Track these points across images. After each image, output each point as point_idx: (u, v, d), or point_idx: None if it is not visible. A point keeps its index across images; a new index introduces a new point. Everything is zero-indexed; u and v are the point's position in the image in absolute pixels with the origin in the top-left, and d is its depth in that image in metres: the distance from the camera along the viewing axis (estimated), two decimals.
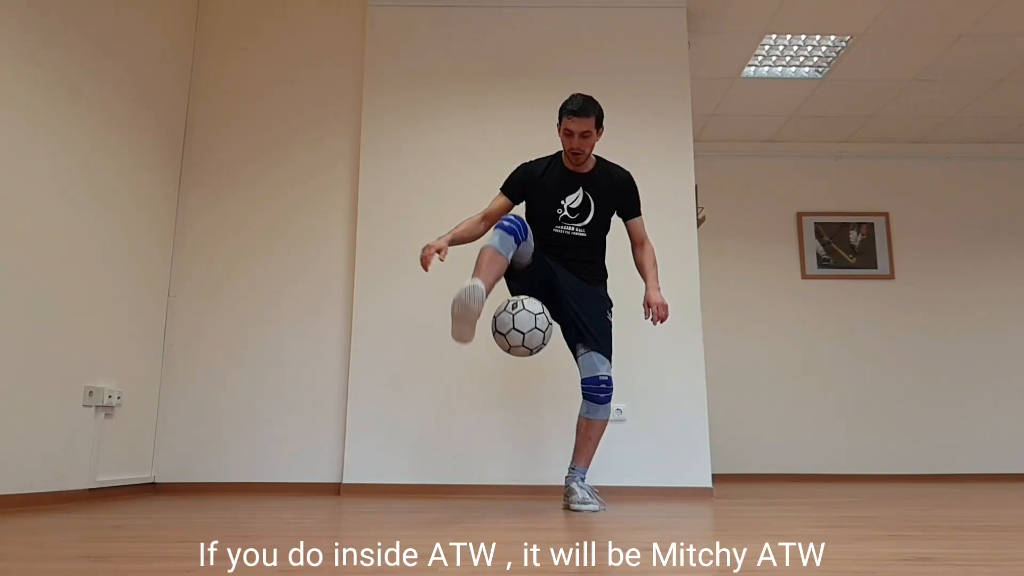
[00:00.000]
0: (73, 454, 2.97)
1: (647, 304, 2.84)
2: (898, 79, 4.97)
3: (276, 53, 4.07)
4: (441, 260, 2.62)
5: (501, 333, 2.56)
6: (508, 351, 2.60)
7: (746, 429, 5.49)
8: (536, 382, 3.62)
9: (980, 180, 5.93)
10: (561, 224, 2.81)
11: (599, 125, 2.78)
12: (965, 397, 5.56)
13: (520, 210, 2.91)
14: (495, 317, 2.59)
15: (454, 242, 2.74)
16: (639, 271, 2.97)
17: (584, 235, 2.83)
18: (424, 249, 2.63)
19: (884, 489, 4.23)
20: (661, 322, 2.84)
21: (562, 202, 2.81)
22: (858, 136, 5.83)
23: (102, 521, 2.21)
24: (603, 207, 2.85)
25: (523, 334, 2.52)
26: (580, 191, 2.82)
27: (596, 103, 2.77)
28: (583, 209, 2.82)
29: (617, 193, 2.88)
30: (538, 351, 2.60)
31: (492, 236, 2.56)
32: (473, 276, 2.46)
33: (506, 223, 2.55)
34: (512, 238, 2.53)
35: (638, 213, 2.95)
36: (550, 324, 2.59)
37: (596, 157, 2.90)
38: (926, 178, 5.93)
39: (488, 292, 2.44)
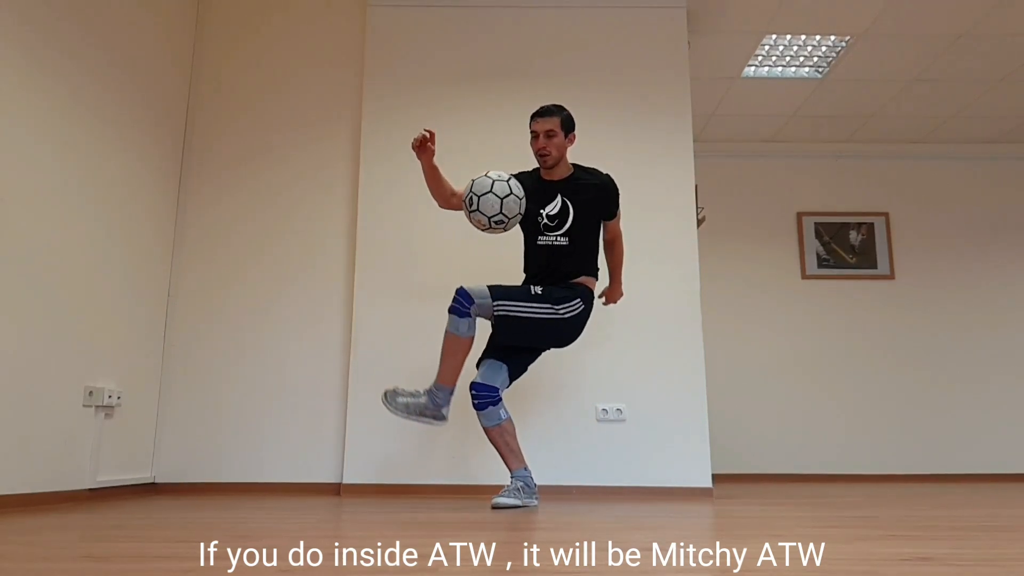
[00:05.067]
0: (73, 454, 2.97)
1: (604, 294, 3.10)
2: (898, 79, 4.97)
3: (276, 53, 4.07)
4: (416, 146, 2.77)
5: (485, 214, 2.63)
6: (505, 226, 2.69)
7: (746, 429, 5.49)
8: (535, 383, 3.62)
9: (980, 180, 5.93)
10: (544, 233, 2.85)
11: (566, 128, 2.85)
12: (965, 397, 5.56)
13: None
14: (478, 209, 2.62)
15: (432, 175, 2.87)
16: (608, 266, 3.08)
17: (566, 243, 2.83)
18: (424, 138, 2.77)
19: (884, 489, 4.23)
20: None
21: (541, 211, 2.85)
22: (858, 136, 5.83)
23: (102, 521, 2.21)
24: (583, 212, 2.84)
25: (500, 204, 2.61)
26: (558, 198, 2.84)
27: (563, 108, 2.87)
28: (561, 216, 2.83)
29: (598, 197, 2.87)
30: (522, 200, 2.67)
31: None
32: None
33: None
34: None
35: (615, 214, 2.97)
36: (507, 181, 2.65)
37: (574, 165, 2.92)
38: (926, 178, 5.93)
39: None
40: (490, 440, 2.86)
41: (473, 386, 2.81)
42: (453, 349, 2.73)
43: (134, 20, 3.43)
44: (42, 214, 2.80)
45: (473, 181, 2.64)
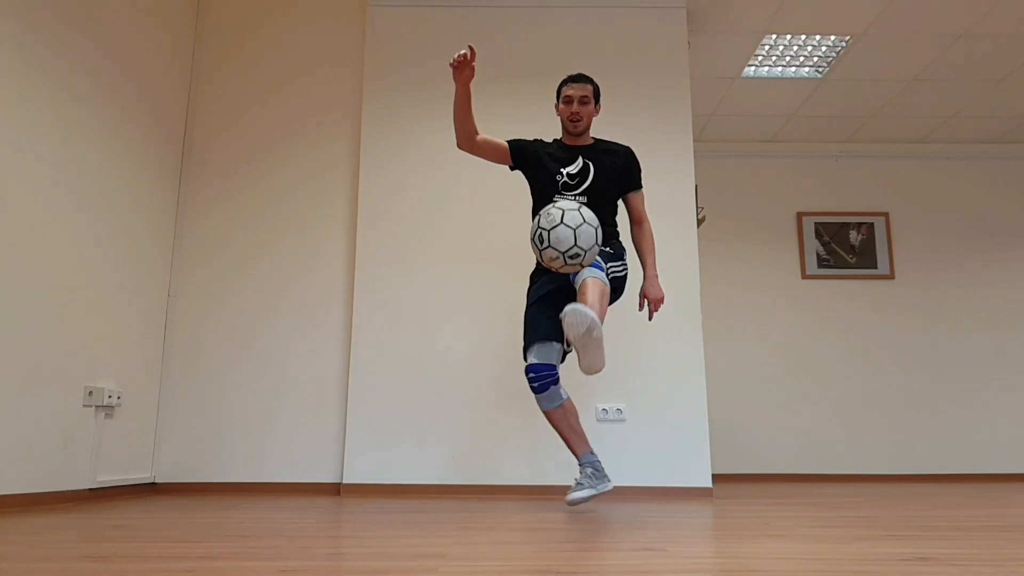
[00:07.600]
0: (73, 454, 2.97)
1: (643, 296, 2.84)
2: (898, 79, 4.97)
3: (276, 53, 4.07)
4: (456, 60, 2.63)
5: (556, 248, 2.49)
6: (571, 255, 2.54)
7: (746, 429, 5.49)
8: None
9: (980, 180, 5.93)
10: (562, 193, 2.80)
11: (597, 98, 2.88)
12: (965, 397, 5.56)
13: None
14: (550, 244, 2.49)
15: (465, 101, 2.76)
16: (637, 254, 2.92)
17: (584, 203, 2.76)
18: (466, 56, 2.64)
19: (883, 489, 4.23)
20: (655, 311, 2.86)
21: (562, 170, 2.82)
22: (858, 136, 5.83)
23: (102, 521, 2.21)
24: (602, 173, 2.82)
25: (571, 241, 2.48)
26: (579, 159, 2.84)
27: (594, 80, 2.91)
28: (581, 175, 2.80)
29: (617, 162, 2.85)
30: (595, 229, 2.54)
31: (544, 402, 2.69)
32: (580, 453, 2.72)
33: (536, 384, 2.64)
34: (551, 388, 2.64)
35: (638, 187, 2.92)
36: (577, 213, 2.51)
37: (594, 137, 2.95)
38: (926, 178, 5.93)
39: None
40: (552, 424, 2.72)
41: (531, 368, 2.67)
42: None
43: (134, 21, 3.43)
44: (42, 215, 2.80)
45: (541, 215, 2.54)
